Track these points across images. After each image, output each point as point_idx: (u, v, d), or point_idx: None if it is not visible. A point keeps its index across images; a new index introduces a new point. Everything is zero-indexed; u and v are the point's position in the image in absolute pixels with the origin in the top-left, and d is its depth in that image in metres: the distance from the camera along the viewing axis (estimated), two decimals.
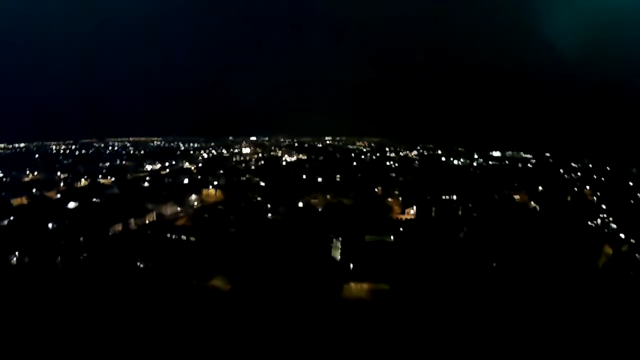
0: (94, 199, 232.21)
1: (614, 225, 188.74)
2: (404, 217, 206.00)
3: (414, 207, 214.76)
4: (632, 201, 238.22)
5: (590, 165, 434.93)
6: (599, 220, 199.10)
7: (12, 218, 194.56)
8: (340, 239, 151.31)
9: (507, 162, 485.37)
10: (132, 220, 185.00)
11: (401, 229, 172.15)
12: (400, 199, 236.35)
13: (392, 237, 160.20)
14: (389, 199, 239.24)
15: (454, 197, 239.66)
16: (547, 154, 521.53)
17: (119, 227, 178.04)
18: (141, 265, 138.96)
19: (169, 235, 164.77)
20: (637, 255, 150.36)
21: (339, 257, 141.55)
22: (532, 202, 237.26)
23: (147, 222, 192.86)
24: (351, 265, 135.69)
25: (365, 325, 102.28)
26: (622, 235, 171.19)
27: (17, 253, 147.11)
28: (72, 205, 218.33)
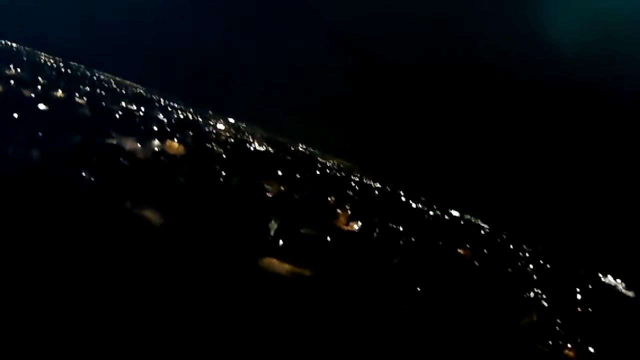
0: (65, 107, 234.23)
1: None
2: (346, 228, 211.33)
3: (359, 223, 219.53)
4: None
5: None
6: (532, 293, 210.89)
7: None
8: (279, 221, 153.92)
9: (462, 222, 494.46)
10: (90, 139, 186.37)
11: (339, 235, 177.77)
12: (349, 212, 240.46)
13: (328, 238, 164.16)
14: (339, 210, 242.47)
15: (400, 228, 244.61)
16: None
17: (77, 139, 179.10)
18: (85, 177, 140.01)
19: (120, 159, 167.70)
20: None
21: (272, 234, 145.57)
22: (474, 260, 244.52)
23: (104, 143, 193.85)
24: (280, 242, 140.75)
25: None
26: None
27: None
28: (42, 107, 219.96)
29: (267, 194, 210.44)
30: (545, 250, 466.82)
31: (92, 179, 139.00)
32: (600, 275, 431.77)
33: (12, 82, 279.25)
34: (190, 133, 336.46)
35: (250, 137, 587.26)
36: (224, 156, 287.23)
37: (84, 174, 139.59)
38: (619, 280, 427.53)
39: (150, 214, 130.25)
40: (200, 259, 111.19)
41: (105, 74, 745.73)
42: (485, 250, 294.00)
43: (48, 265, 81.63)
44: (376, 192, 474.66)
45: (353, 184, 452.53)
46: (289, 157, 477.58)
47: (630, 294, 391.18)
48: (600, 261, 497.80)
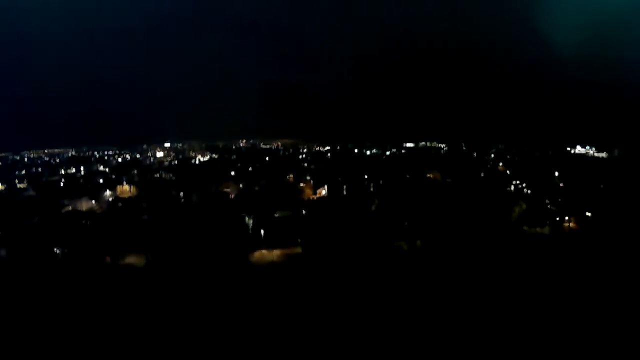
0: (10, 201, 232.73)
1: (527, 190, 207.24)
2: (315, 197, 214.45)
3: (325, 187, 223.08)
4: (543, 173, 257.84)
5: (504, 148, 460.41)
6: (512, 187, 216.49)
7: None
8: (252, 216, 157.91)
9: (420, 150, 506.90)
10: (48, 214, 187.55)
11: (313, 205, 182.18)
12: (312, 182, 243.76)
13: (304, 212, 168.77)
14: (301, 184, 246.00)
15: (365, 177, 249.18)
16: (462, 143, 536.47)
17: (35, 220, 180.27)
18: (58, 251, 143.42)
19: (83, 221, 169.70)
20: (549, 206, 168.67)
21: (250, 230, 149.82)
22: (445, 179, 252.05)
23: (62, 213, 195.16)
24: (262, 233, 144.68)
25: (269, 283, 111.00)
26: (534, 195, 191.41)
27: None
28: None
29: (230, 196, 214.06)
30: (508, 144, 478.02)
31: (65, 250, 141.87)
32: (569, 148, 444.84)
33: None
34: (135, 172, 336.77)
35: (191, 152, 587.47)
36: (174, 179, 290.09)
37: (56, 250, 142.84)
38: (588, 147, 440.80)
39: (133, 259, 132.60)
40: (199, 278, 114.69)
41: (34, 151, 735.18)
42: (452, 167, 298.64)
43: None
44: (328, 154, 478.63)
45: (304, 156, 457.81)
46: (234, 156, 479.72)
47: (603, 154, 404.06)
48: (566, 134, 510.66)
